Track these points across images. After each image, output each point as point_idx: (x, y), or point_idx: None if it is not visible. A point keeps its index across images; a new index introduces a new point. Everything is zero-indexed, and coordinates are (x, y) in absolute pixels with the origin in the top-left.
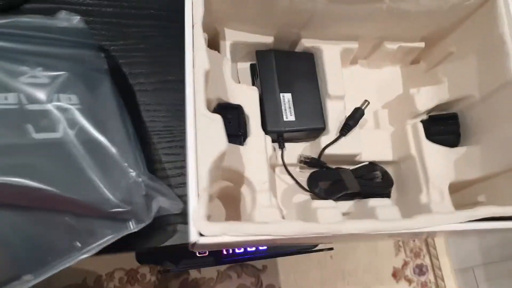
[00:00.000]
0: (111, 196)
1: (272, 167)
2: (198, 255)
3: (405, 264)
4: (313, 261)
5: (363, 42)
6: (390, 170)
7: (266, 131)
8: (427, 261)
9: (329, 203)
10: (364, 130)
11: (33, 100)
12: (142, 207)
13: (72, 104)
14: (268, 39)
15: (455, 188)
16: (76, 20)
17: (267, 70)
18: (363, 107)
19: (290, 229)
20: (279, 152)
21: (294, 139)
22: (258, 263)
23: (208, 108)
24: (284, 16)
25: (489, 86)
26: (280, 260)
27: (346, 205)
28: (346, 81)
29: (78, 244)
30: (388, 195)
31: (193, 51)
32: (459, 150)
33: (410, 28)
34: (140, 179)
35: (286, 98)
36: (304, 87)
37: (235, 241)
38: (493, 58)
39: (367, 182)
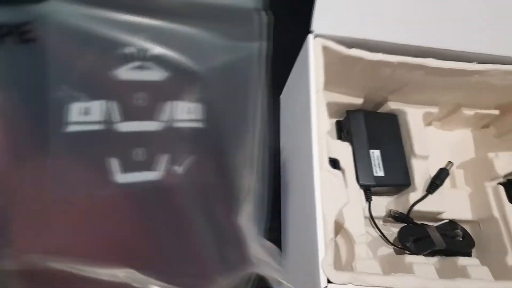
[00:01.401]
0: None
1: None
2: None
3: None
4: None
5: (442, 107)
6: (468, 229)
7: (359, 185)
8: None
9: (422, 258)
10: (443, 188)
11: (130, 114)
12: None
13: (191, 122)
14: (359, 101)
15: None
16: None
17: (358, 128)
18: (448, 168)
19: (414, 283)
20: (365, 204)
21: (379, 194)
22: None
23: None
24: (381, 84)
25: None
26: None
27: (431, 261)
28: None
29: None
30: (469, 255)
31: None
32: None
33: (489, 97)
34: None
35: (376, 154)
36: (390, 145)
37: None
38: None
39: (450, 240)
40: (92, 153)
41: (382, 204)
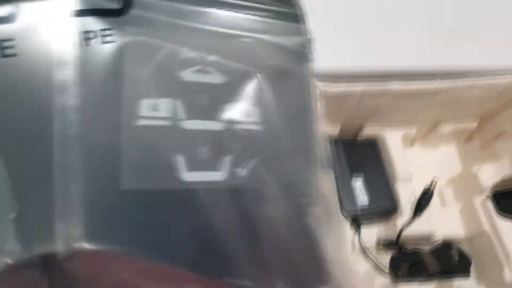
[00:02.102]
0: None
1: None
2: None
3: None
4: None
5: (420, 125)
6: (464, 246)
7: (342, 215)
8: None
9: (416, 285)
10: (432, 208)
11: (194, 113)
12: None
13: (250, 124)
14: (335, 131)
15: None
16: None
17: (338, 158)
18: (431, 187)
19: None
20: (355, 236)
21: (368, 222)
22: None
23: None
24: (353, 112)
25: None
26: None
27: (428, 286)
28: (407, 162)
29: None
30: (468, 274)
31: None
32: None
33: (464, 111)
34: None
35: (358, 183)
36: (372, 172)
37: None
38: None
39: (446, 261)
40: (160, 148)
41: (373, 232)
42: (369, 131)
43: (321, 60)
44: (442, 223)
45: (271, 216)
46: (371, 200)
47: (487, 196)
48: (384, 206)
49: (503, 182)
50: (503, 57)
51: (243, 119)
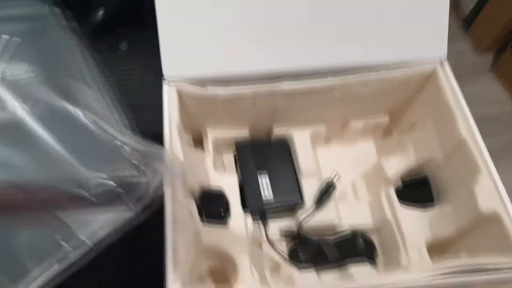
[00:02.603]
0: (89, 173)
1: (259, 244)
2: None
3: None
4: None
5: (330, 123)
6: (373, 236)
7: (248, 211)
8: None
9: (311, 274)
10: (344, 200)
11: None
12: (136, 181)
13: (22, 74)
14: (244, 133)
15: (438, 249)
16: None
17: (245, 158)
18: (334, 180)
19: None
20: (262, 229)
21: (277, 216)
22: None
23: (193, 195)
24: (251, 114)
25: (447, 147)
26: None
27: (332, 274)
28: (323, 159)
29: (65, 244)
30: (373, 261)
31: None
32: (431, 211)
33: (370, 106)
34: (126, 147)
35: (264, 179)
36: (280, 168)
37: None
38: (446, 122)
39: (349, 250)
40: None
41: (282, 225)
42: (279, 131)
43: (208, 66)
44: (352, 214)
45: None
46: (275, 194)
47: (398, 187)
48: (287, 199)
49: (408, 172)
50: (396, 50)
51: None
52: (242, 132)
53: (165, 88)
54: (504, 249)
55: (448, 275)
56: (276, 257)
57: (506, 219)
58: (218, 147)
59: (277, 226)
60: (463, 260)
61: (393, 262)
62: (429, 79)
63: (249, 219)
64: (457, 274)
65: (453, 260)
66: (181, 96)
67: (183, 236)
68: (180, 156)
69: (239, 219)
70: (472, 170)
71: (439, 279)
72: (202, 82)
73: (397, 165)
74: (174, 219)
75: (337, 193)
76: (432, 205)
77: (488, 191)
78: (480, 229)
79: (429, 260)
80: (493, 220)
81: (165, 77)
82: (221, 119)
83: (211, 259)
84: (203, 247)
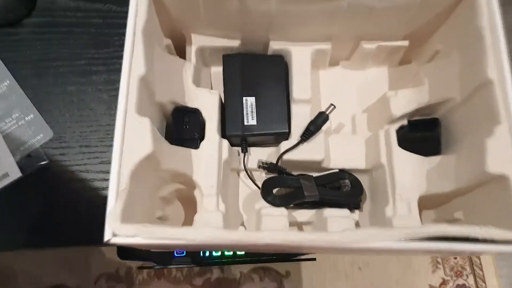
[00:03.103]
0: None
1: (237, 172)
2: (176, 254)
3: (444, 283)
4: (340, 271)
5: (337, 42)
6: (364, 179)
7: (225, 135)
8: (470, 282)
9: (279, 211)
10: (339, 135)
11: None
12: None
13: None
14: (235, 43)
15: (431, 203)
16: None
17: (232, 74)
18: (327, 112)
19: (200, 235)
20: (240, 156)
21: (261, 144)
22: (281, 269)
23: (164, 112)
24: (241, 18)
25: (468, 87)
26: (304, 267)
27: (307, 214)
28: (324, 83)
29: None
30: (357, 206)
31: (131, 58)
32: (433, 160)
33: (387, 26)
34: None
35: (249, 102)
36: (270, 91)
37: (149, 243)
38: (474, 55)
39: (331, 191)
40: None
41: (265, 155)
42: (277, 45)
43: None
44: (345, 151)
45: None
46: (259, 121)
47: (401, 127)
48: (271, 128)
49: (418, 110)
50: None
51: None
52: (233, 43)
53: None
54: (504, 219)
55: (430, 241)
56: (253, 188)
57: None
58: (205, 58)
59: (259, 156)
60: (455, 229)
61: (377, 212)
62: None
63: (226, 144)
64: (441, 241)
65: (444, 226)
66: None
67: (132, 156)
68: (142, 63)
69: (212, 143)
70: (490, 120)
71: (417, 242)
72: None
73: (406, 101)
74: (125, 135)
75: (333, 125)
76: (437, 153)
77: (502, 148)
78: (483, 190)
79: (417, 217)
80: (500, 184)
81: None
82: (207, 24)
83: (178, 183)
84: (165, 171)
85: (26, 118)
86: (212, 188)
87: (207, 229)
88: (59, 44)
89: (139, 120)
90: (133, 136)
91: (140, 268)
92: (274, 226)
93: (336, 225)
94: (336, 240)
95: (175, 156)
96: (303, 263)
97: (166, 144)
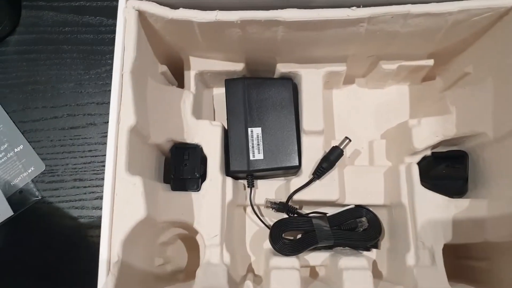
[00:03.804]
0: None
1: (243, 208)
2: None
3: None
4: None
5: (353, 63)
6: (383, 213)
7: (229, 171)
8: None
9: (290, 262)
10: (356, 167)
11: None
12: None
13: None
14: (238, 66)
15: (459, 253)
16: None
17: (235, 102)
18: (341, 147)
19: None
20: (247, 193)
21: (269, 177)
22: None
23: (161, 150)
24: (244, 45)
25: (504, 122)
26: None
27: (320, 257)
28: (338, 104)
29: None
30: (375, 246)
31: (119, 107)
32: (460, 203)
33: (410, 47)
34: None
35: (255, 133)
36: (278, 120)
37: None
38: (510, 88)
39: (347, 233)
40: None
41: (275, 189)
42: (281, 68)
43: None
44: (361, 185)
45: None
46: (266, 154)
47: (423, 158)
48: (282, 162)
49: (447, 142)
50: None
51: None
52: (237, 66)
53: (121, 7)
54: None
55: None
56: (261, 225)
57: None
58: (206, 81)
59: (267, 190)
60: None
61: (397, 256)
62: (501, 19)
63: (230, 183)
64: None
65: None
66: (145, 19)
67: (123, 225)
68: (131, 111)
69: (215, 183)
70: None
71: None
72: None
73: (429, 132)
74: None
75: (348, 152)
76: (463, 192)
77: None
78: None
79: (442, 269)
80: None
81: None
82: (206, 48)
83: (179, 228)
84: (163, 222)
85: (15, 150)
86: (216, 237)
87: None
88: (46, 65)
89: (130, 181)
90: (123, 199)
91: None
92: (285, 282)
93: (352, 280)
94: None
95: (174, 204)
96: None
97: (162, 193)
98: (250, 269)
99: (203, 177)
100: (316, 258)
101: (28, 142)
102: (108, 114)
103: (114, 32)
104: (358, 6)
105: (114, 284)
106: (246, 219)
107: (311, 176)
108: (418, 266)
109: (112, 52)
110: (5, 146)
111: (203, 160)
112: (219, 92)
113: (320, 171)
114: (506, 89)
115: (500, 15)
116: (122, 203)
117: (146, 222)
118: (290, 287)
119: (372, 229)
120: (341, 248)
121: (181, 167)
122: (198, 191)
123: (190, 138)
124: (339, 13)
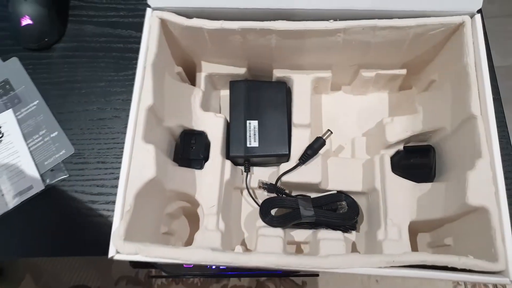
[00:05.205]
0: None
1: (240, 191)
2: (185, 265)
3: None
4: (357, 283)
5: (338, 70)
6: (362, 201)
7: (229, 156)
8: None
9: (276, 231)
10: (338, 158)
11: None
12: None
13: None
14: (241, 70)
15: (425, 227)
16: None
17: (238, 99)
18: (324, 137)
19: (194, 257)
20: (243, 176)
21: (264, 164)
22: (298, 279)
23: (173, 135)
24: (245, 52)
25: (457, 118)
26: (320, 278)
27: (304, 234)
28: (326, 107)
29: None
30: (353, 227)
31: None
32: (424, 186)
33: (384, 57)
34: None
35: (252, 125)
36: (272, 115)
37: (148, 261)
38: (461, 90)
39: (328, 212)
40: None
41: (267, 175)
42: (277, 73)
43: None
44: (343, 174)
45: None
46: (261, 143)
47: (398, 152)
48: (272, 150)
49: (414, 137)
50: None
51: None
52: (240, 70)
53: (148, 16)
54: (484, 249)
55: (410, 268)
56: (255, 206)
57: (494, 218)
58: (214, 83)
59: (261, 175)
60: (434, 258)
61: (371, 235)
62: (454, 33)
63: (229, 165)
64: (421, 269)
65: (424, 255)
66: (166, 26)
67: (136, 180)
68: (150, 95)
69: (215, 163)
70: (473, 153)
71: (397, 269)
72: (188, 14)
73: (400, 128)
74: (132, 161)
75: (333, 147)
76: (430, 180)
77: (483, 182)
78: (467, 220)
79: (407, 243)
80: (481, 215)
81: (150, 5)
82: (215, 54)
83: (183, 201)
84: (170, 191)
85: (51, 135)
86: (213, 207)
87: (200, 251)
88: (83, 67)
89: (145, 147)
90: (138, 161)
91: (152, 277)
92: (270, 247)
93: (328, 248)
94: (319, 265)
95: (180, 177)
96: (320, 273)
97: (171, 166)
98: (243, 244)
99: (206, 159)
100: (301, 235)
101: (62, 129)
102: None
103: (140, 42)
104: (335, 20)
105: (125, 228)
106: (242, 201)
107: (298, 161)
108: (386, 239)
109: (137, 59)
110: (44, 131)
111: (207, 145)
112: (225, 93)
113: (305, 157)
114: (457, 89)
115: (452, 30)
116: (137, 165)
117: (156, 184)
118: (273, 250)
119: (350, 210)
120: (324, 230)
121: (188, 149)
122: (201, 169)
123: (197, 126)
124: (319, 24)
